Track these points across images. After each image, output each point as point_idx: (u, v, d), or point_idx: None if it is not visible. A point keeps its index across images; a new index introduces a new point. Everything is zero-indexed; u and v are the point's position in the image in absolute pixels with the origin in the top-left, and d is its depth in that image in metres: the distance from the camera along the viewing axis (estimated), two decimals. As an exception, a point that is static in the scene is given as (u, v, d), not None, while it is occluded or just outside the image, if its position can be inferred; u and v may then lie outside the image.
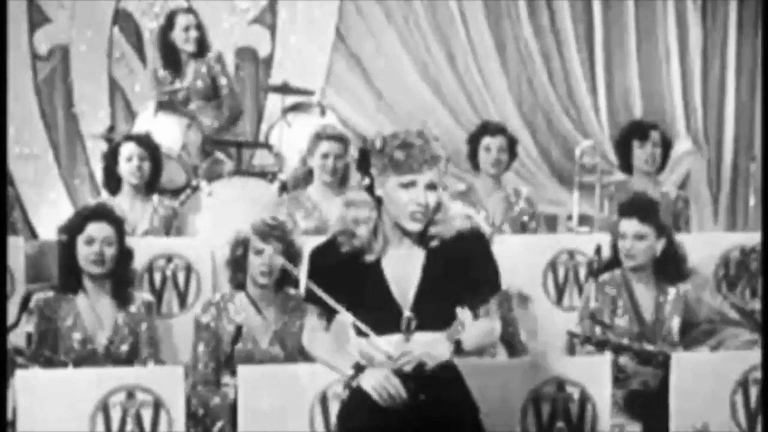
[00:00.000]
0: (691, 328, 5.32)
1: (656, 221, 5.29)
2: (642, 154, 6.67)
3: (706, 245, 6.22)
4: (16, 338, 4.88)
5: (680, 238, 5.52)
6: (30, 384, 4.45)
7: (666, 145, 6.79)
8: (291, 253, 5.03)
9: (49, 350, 4.89)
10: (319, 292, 3.55)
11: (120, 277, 5.03)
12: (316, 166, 6.27)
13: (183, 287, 5.88)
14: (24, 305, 4.77)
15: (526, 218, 6.62)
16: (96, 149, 8.02)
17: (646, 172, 6.70)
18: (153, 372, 4.74)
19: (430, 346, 3.47)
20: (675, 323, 5.28)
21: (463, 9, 8.99)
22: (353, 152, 6.13)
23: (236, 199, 6.86)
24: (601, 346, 5.07)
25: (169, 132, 7.08)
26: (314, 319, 3.67)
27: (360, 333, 3.55)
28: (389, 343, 3.49)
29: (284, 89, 7.81)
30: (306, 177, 6.42)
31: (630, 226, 5.27)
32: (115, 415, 4.48)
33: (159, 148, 6.47)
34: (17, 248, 5.91)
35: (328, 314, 3.64)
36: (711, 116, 9.27)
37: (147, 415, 4.49)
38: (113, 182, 6.42)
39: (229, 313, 5.08)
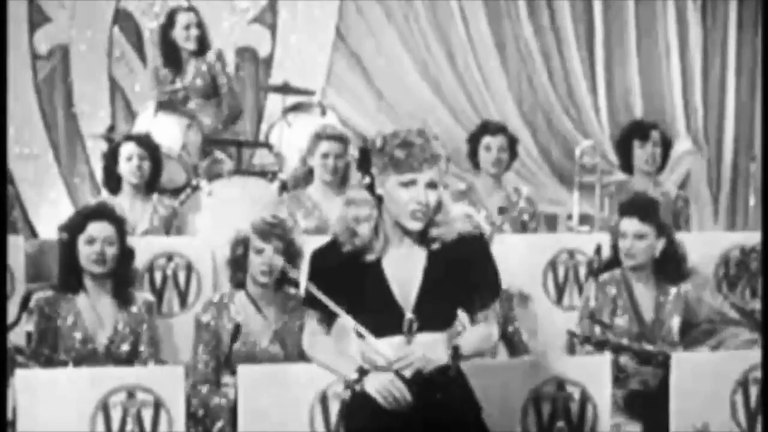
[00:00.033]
0: (691, 328, 5.32)
1: (656, 221, 5.29)
2: (642, 153, 6.67)
3: (706, 245, 6.22)
4: (16, 337, 4.88)
5: (680, 237, 5.52)
6: (30, 384, 4.44)
7: (666, 145, 6.79)
8: (291, 252, 5.03)
9: (49, 349, 4.89)
10: (320, 296, 3.55)
11: (121, 277, 5.03)
12: (317, 165, 6.28)
13: (183, 287, 5.89)
14: (24, 305, 4.76)
15: (526, 217, 6.62)
16: (96, 149, 8.02)
17: (647, 171, 6.70)
18: (153, 372, 4.73)
19: (430, 348, 3.47)
20: (675, 323, 5.28)
21: (464, 8, 9.00)
22: (353, 152, 6.14)
23: (236, 198, 6.86)
24: (600, 346, 5.07)
25: (169, 132, 7.07)
26: (314, 323, 3.67)
27: (360, 336, 3.55)
28: (391, 345, 3.49)
29: (284, 89, 7.81)
30: (306, 177, 6.42)
31: (630, 225, 5.26)
32: (116, 415, 4.47)
33: (159, 148, 6.47)
34: (17, 247, 5.92)
35: (329, 318, 3.63)
36: (711, 116, 9.28)
37: (147, 415, 4.49)
38: (113, 182, 6.42)
39: (230, 312, 5.08)
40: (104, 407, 4.46)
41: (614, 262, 5.37)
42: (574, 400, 4.64)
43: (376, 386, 3.47)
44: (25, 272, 5.93)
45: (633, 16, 9.19)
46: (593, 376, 4.68)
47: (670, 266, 5.30)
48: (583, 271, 6.05)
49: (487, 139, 6.56)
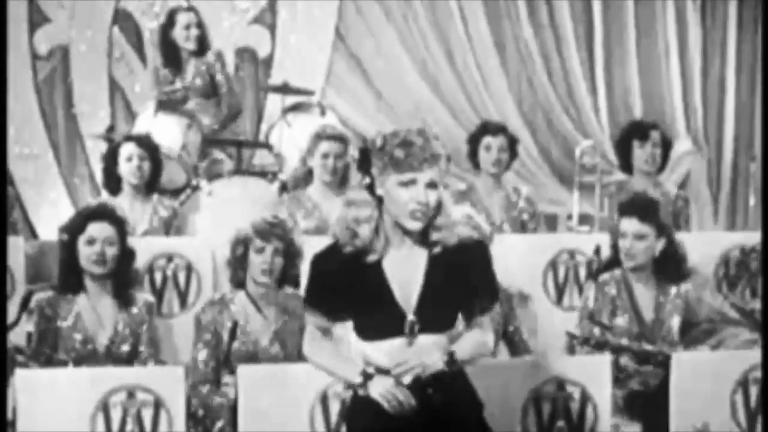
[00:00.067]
0: (691, 328, 5.31)
1: (656, 221, 5.29)
2: (642, 154, 6.67)
3: (706, 245, 6.22)
4: (16, 337, 4.88)
5: (680, 237, 5.52)
6: (30, 383, 4.44)
7: (666, 145, 6.79)
8: (291, 252, 5.03)
9: (49, 349, 4.89)
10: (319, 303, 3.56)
11: (121, 278, 5.02)
12: (316, 166, 6.28)
13: (183, 287, 5.89)
14: (24, 305, 4.76)
15: (526, 217, 6.62)
16: (96, 149, 8.02)
17: (646, 172, 6.70)
18: (153, 372, 4.73)
19: (427, 353, 3.47)
20: (675, 323, 5.28)
21: (463, 8, 9.00)
22: (353, 152, 6.13)
23: (236, 198, 6.86)
24: (599, 347, 5.06)
25: (169, 132, 7.08)
26: (314, 328, 3.67)
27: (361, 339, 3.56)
28: (392, 347, 3.50)
29: (284, 89, 7.81)
30: (306, 177, 6.42)
31: (630, 225, 5.26)
32: (116, 415, 4.47)
33: (159, 148, 6.47)
34: (17, 248, 5.91)
35: (329, 323, 3.64)
36: (711, 116, 9.28)
37: (147, 415, 4.49)
38: (113, 182, 6.42)
39: (230, 312, 5.08)
40: (104, 407, 4.46)
41: (614, 262, 5.37)
42: (575, 400, 4.64)
43: (380, 391, 3.47)
44: (25, 273, 5.93)
45: (632, 16, 9.19)
46: (593, 376, 4.68)
47: (670, 266, 5.29)
48: (583, 272, 6.06)
49: (487, 139, 6.56)
